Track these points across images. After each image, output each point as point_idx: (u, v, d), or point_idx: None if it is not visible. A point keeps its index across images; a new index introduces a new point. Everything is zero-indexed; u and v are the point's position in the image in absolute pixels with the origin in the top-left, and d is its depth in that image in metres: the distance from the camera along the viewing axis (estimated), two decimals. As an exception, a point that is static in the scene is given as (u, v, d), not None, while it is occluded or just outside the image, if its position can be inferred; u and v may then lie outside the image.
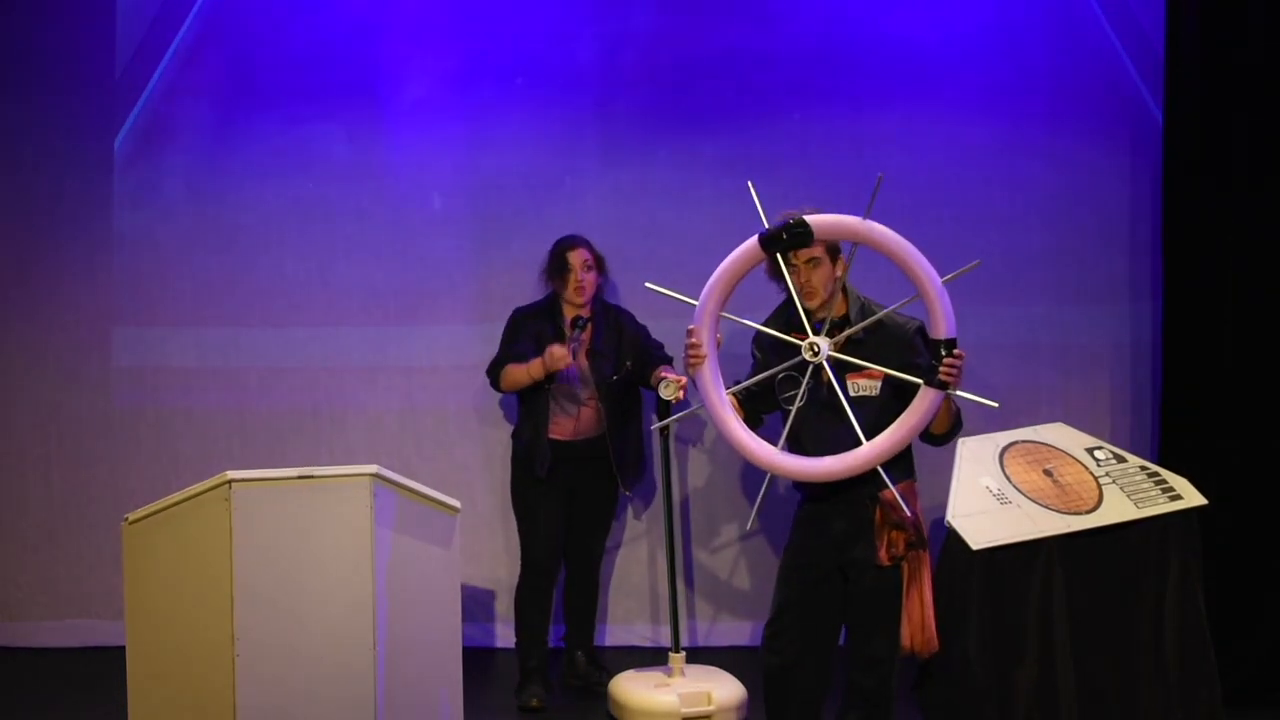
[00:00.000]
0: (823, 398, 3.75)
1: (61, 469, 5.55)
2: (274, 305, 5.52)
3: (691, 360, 3.73)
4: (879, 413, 3.73)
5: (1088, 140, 5.38)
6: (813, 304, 3.75)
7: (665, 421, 4.51)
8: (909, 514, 3.74)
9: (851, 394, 3.72)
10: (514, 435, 4.98)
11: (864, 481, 3.72)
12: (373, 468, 3.79)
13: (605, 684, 4.89)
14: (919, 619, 3.74)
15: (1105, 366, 5.41)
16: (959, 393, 3.64)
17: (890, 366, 3.67)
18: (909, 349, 3.74)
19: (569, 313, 4.86)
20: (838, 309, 3.77)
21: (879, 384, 3.75)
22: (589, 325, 4.85)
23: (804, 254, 3.73)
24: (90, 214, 5.53)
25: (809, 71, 5.41)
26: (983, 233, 5.39)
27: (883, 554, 3.73)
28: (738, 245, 3.73)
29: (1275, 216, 4.83)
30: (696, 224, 5.38)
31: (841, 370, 3.72)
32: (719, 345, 3.81)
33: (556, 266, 4.87)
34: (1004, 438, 4.38)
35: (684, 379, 4.75)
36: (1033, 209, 5.41)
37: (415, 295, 5.49)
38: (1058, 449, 4.36)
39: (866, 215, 3.57)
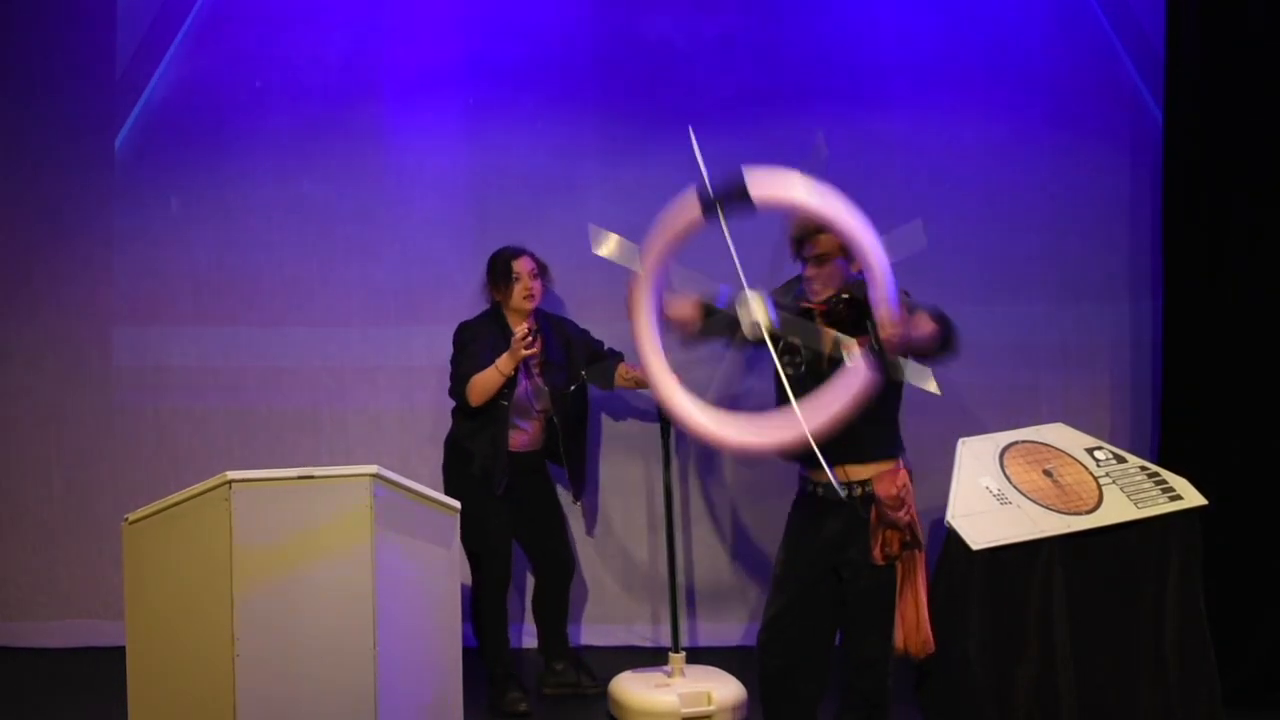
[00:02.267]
0: (824, 370, 3.71)
1: (62, 469, 5.55)
2: (274, 305, 5.52)
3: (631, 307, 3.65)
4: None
5: (1088, 140, 5.37)
6: (816, 300, 3.72)
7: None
8: (905, 515, 3.72)
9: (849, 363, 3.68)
10: (458, 446, 4.85)
11: (859, 481, 3.73)
12: (373, 468, 3.79)
13: (594, 685, 4.91)
14: (914, 620, 3.74)
15: (1105, 366, 5.41)
16: (909, 366, 3.51)
17: (870, 334, 3.59)
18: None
19: (514, 321, 4.81)
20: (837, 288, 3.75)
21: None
22: (538, 337, 4.85)
23: (814, 250, 3.70)
24: (90, 214, 5.53)
25: (809, 71, 5.41)
26: (982, 233, 5.39)
27: (877, 554, 3.71)
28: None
29: (1275, 216, 4.83)
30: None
31: (845, 337, 3.66)
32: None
33: (502, 275, 4.84)
34: (1004, 438, 4.39)
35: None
36: (1033, 209, 5.40)
37: (415, 295, 5.49)
38: (1058, 449, 4.36)
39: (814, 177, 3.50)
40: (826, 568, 3.80)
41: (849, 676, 3.84)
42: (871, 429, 3.68)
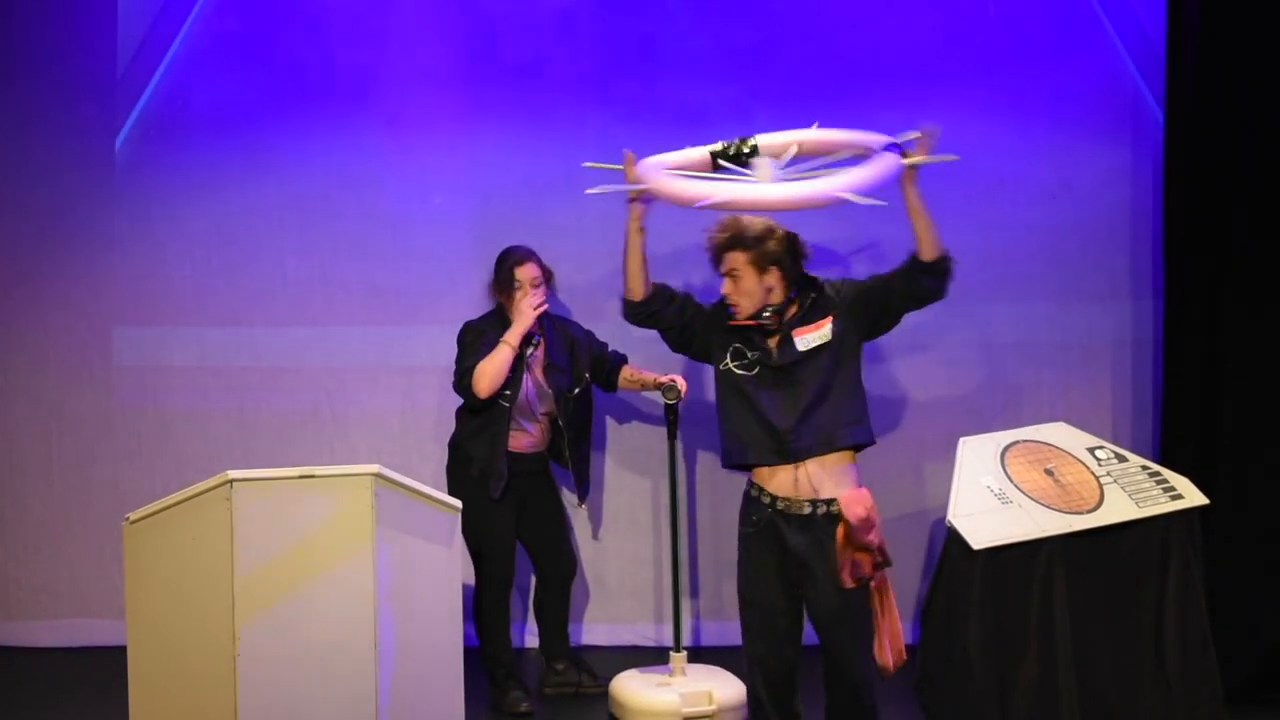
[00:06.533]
0: (775, 363, 3.75)
1: (63, 468, 5.55)
2: (275, 305, 5.52)
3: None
4: (835, 355, 3.73)
5: (1089, 140, 5.37)
6: (741, 316, 3.77)
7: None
8: (875, 537, 3.56)
9: (801, 349, 3.73)
10: (461, 448, 4.85)
11: (824, 500, 3.68)
12: (374, 467, 3.79)
13: (595, 685, 4.92)
14: (897, 634, 3.63)
15: (1106, 365, 5.41)
16: (917, 159, 3.66)
17: (834, 320, 3.74)
18: (852, 293, 3.81)
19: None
20: (776, 297, 3.77)
21: (829, 329, 3.74)
22: (541, 341, 4.84)
23: (724, 267, 3.77)
24: (92, 214, 5.53)
25: (809, 71, 5.40)
26: (983, 232, 5.39)
27: (846, 577, 3.58)
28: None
29: (1276, 216, 4.83)
30: (697, 224, 5.36)
31: (789, 328, 3.75)
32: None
33: (505, 281, 4.81)
34: (1005, 437, 4.38)
35: (684, 382, 4.83)
36: (1033, 208, 5.41)
37: (416, 295, 5.49)
38: (1059, 448, 4.36)
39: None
40: (789, 587, 3.75)
41: (833, 697, 3.78)
42: (836, 413, 3.69)
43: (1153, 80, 5.27)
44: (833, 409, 3.71)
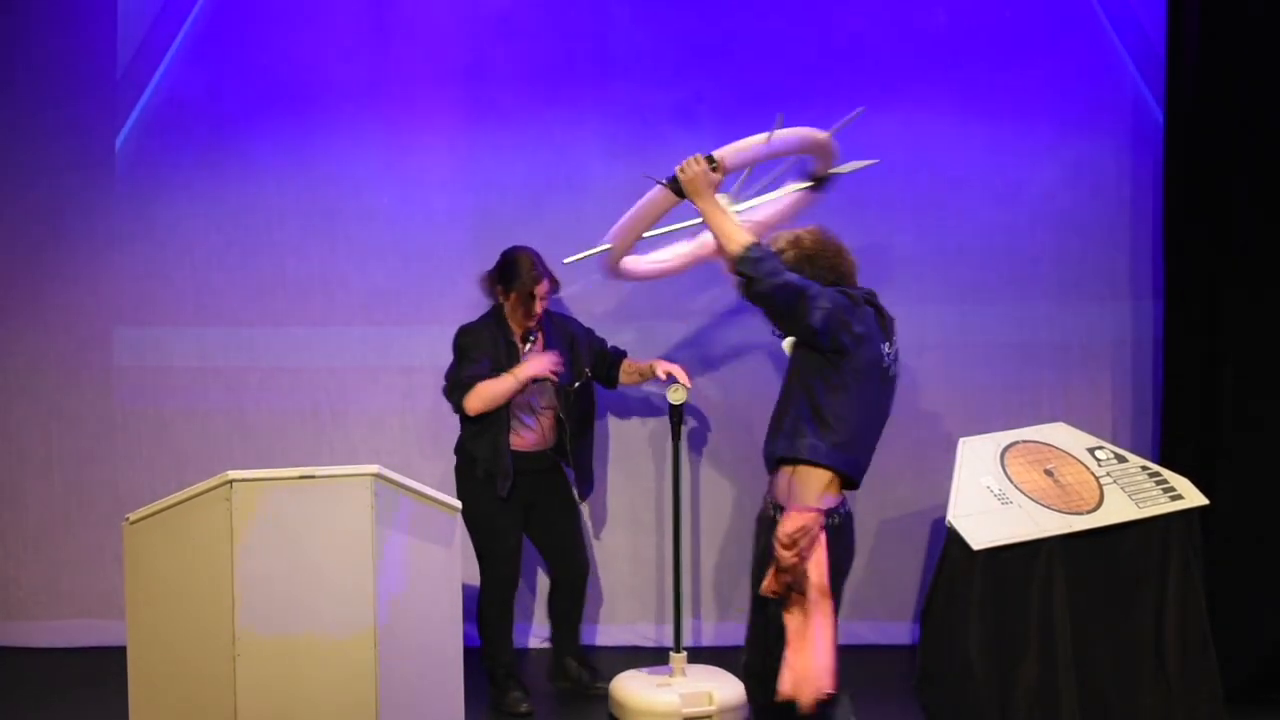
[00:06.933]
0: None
1: (62, 468, 5.55)
2: (275, 305, 5.51)
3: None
4: (789, 365, 3.67)
5: (1088, 140, 5.38)
6: None
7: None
8: (791, 557, 3.48)
9: (787, 352, 3.76)
10: (465, 449, 4.84)
11: (782, 508, 3.60)
12: (374, 467, 3.79)
13: (600, 685, 4.92)
14: (802, 670, 3.47)
15: (1106, 366, 5.41)
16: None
17: None
18: None
19: (514, 325, 4.82)
20: None
21: (788, 340, 3.73)
22: (539, 337, 4.84)
23: None
24: (92, 214, 5.52)
25: (809, 71, 5.40)
26: (983, 232, 5.39)
27: (765, 583, 3.55)
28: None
29: (1276, 215, 4.83)
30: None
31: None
32: None
33: (524, 297, 4.77)
34: (1005, 438, 4.39)
35: (686, 378, 4.84)
36: (1034, 209, 5.41)
37: (416, 295, 5.49)
38: (1059, 449, 4.36)
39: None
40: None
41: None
42: (782, 425, 3.61)
43: (1153, 80, 5.27)
44: (784, 420, 3.62)
